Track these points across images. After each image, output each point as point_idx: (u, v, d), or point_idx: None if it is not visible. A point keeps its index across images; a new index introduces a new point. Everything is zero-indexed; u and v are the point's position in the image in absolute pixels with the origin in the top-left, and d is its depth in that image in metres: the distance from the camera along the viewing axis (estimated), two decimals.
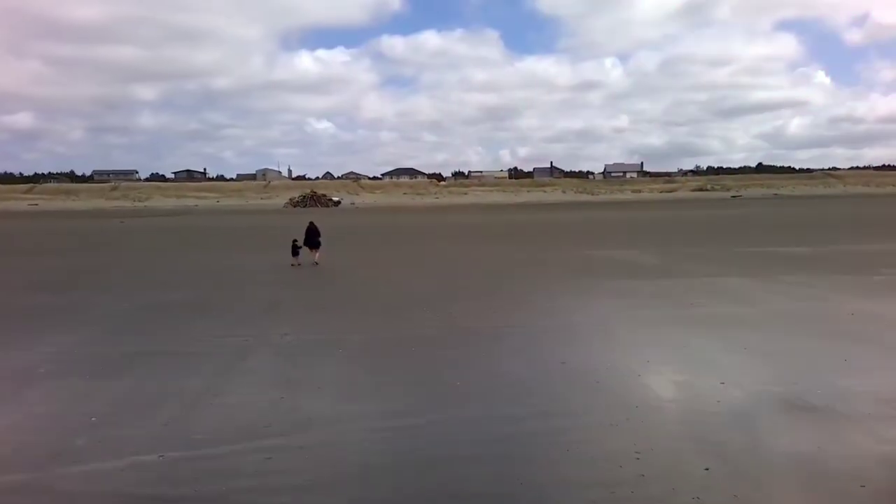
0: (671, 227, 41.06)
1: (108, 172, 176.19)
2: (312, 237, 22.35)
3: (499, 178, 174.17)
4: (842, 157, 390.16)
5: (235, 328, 12.28)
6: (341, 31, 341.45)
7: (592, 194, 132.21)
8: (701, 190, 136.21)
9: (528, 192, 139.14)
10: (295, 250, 21.94)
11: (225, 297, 16.12)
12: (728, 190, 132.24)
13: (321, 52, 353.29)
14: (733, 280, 17.18)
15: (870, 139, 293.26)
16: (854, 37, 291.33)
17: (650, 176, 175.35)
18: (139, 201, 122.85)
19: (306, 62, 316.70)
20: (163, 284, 18.39)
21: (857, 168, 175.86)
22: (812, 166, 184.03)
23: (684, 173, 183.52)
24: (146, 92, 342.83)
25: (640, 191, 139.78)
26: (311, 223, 22.92)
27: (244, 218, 66.51)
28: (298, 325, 12.58)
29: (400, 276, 19.75)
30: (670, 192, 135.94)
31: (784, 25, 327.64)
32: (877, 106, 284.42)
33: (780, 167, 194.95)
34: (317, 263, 21.94)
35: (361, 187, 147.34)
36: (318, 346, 10.79)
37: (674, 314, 12.88)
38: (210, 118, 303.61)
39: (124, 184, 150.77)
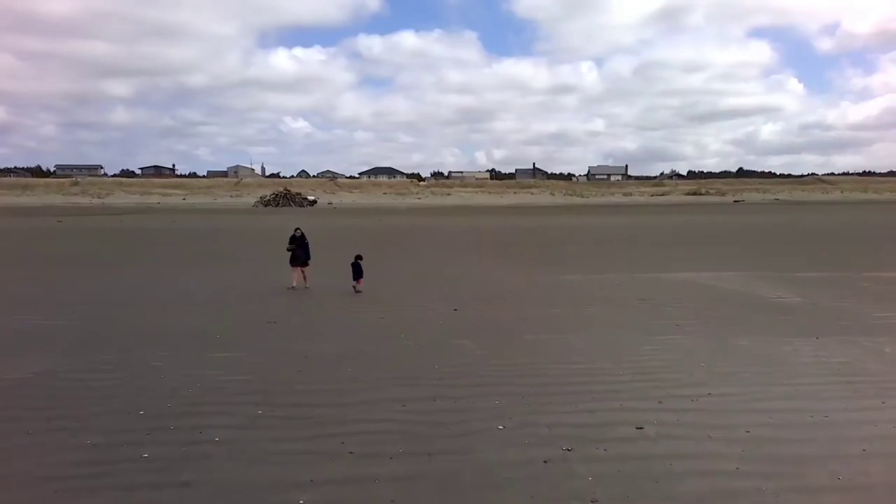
0: (717, 236, 34.08)
1: (71, 167, 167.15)
2: (303, 249, 16.58)
3: (480, 178, 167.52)
4: (812, 164, 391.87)
5: None
6: (318, 29, 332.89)
7: (582, 197, 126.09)
8: (695, 194, 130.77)
9: (515, 193, 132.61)
10: (358, 270, 15.77)
11: (100, 378, 8.73)
12: (723, 194, 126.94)
13: (298, 51, 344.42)
14: None
15: (839, 146, 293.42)
16: (825, 45, 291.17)
17: (635, 179, 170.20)
18: (98, 198, 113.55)
19: (283, 60, 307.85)
20: (6, 343, 10.82)
21: (833, 174, 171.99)
22: (785, 172, 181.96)
23: (669, 176, 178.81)
24: (119, 88, 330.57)
25: (630, 194, 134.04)
26: (300, 231, 16.91)
27: (208, 218, 58.45)
28: (228, 499, 5.31)
29: (417, 319, 12.45)
30: (662, 195, 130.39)
31: (757, 32, 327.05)
32: (846, 113, 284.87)
33: (762, 172, 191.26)
34: (295, 287, 16.21)
35: (339, 186, 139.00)
36: None
37: None
38: (184, 115, 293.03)
39: (87, 179, 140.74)
